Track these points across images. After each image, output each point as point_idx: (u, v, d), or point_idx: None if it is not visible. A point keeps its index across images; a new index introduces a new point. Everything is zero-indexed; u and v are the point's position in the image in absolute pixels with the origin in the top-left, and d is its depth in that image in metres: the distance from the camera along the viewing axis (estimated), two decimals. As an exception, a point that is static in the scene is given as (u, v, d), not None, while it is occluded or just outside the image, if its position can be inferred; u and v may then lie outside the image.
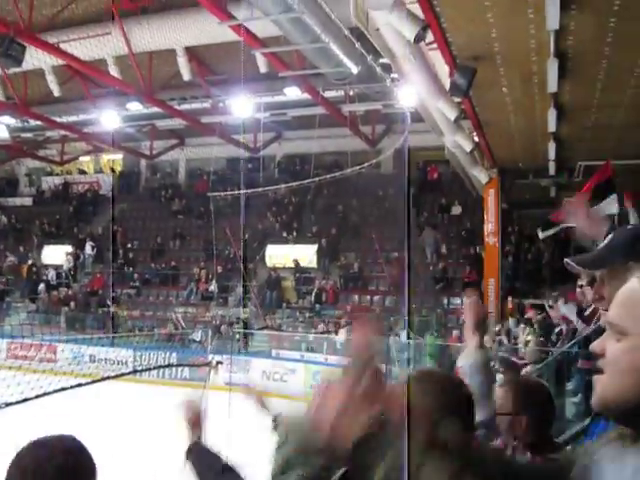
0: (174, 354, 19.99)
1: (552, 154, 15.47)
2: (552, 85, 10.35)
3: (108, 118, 23.52)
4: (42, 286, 26.95)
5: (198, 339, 21.54)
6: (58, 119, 24.76)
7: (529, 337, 12.53)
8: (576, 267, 1.80)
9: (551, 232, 13.88)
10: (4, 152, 31.11)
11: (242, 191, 17.88)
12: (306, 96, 20.61)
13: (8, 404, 8.86)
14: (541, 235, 14.56)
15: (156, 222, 29.96)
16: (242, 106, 21.21)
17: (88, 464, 1.83)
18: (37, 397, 9.86)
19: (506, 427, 2.61)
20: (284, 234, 26.37)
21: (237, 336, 19.06)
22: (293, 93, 21.15)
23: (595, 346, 1.31)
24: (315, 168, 23.89)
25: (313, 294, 23.42)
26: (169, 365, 19.21)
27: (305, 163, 27.66)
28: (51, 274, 27.83)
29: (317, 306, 23.00)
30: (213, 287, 24.50)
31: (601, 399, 1.27)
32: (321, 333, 20.79)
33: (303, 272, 24.77)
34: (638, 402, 1.21)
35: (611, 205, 13.87)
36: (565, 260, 1.71)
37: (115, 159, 33.58)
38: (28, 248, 29.90)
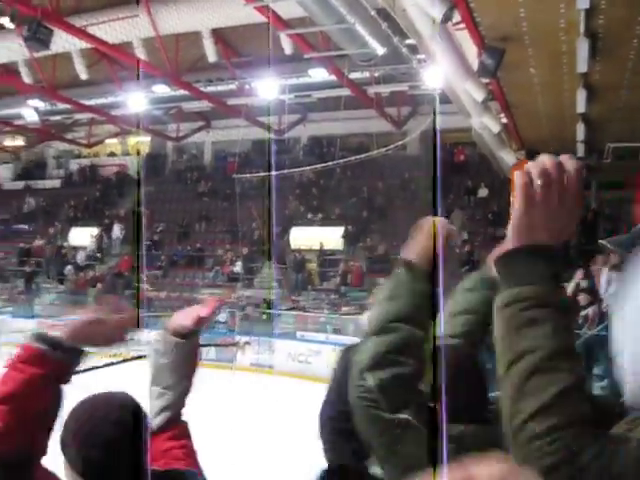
0: (201, 335, 20.14)
1: (581, 135, 15.26)
2: (582, 65, 10.19)
3: (135, 100, 23.66)
4: (69, 267, 27.32)
5: (224, 320, 21.71)
6: (86, 102, 24.93)
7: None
8: (611, 248, 1.79)
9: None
10: (34, 135, 31.46)
11: (270, 172, 17.92)
12: (331, 77, 20.50)
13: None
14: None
15: (182, 204, 30.13)
16: (268, 88, 21.18)
17: (142, 419, 1.78)
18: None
19: None
20: (309, 216, 26.37)
21: (263, 317, 19.15)
22: (318, 75, 21.05)
23: None
24: (340, 150, 23.79)
25: (338, 276, 23.45)
26: (196, 345, 19.36)
27: (330, 145, 27.59)
28: (80, 255, 28.15)
29: (342, 288, 23.04)
30: (238, 268, 24.64)
31: None
32: (347, 315, 20.80)
33: (328, 254, 24.78)
34: None
35: None
36: (599, 241, 1.71)
37: (142, 141, 33.80)
38: (57, 230, 30.28)
